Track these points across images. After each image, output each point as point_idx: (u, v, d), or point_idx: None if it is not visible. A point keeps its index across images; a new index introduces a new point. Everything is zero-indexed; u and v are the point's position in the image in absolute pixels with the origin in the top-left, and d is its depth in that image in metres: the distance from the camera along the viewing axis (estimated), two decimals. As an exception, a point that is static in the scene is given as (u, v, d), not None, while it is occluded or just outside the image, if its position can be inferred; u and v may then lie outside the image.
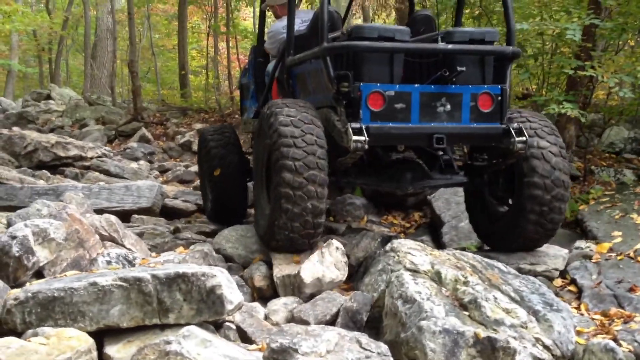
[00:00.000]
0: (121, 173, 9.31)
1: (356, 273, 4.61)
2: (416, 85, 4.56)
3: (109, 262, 4.23)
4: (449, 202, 6.44)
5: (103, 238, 4.58)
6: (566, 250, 5.09)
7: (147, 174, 9.67)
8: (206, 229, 6.17)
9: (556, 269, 4.83)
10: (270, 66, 5.84)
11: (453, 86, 4.60)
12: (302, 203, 4.28)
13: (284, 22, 5.46)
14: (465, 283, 3.60)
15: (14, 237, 3.76)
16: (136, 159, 10.71)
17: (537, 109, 8.03)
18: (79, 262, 4.13)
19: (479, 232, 5.42)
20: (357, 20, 16.40)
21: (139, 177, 9.12)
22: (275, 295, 4.19)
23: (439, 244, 5.87)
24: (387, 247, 4.16)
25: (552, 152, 4.68)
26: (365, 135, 4.30)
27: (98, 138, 12.17)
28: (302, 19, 5.58)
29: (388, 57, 4.54)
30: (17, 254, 3.71)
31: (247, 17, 22.51)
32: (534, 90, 8.64)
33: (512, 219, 4.86)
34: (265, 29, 6.52)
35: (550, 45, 7.82)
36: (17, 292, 3.30)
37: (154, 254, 4.91)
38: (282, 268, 4.23)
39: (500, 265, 4.05)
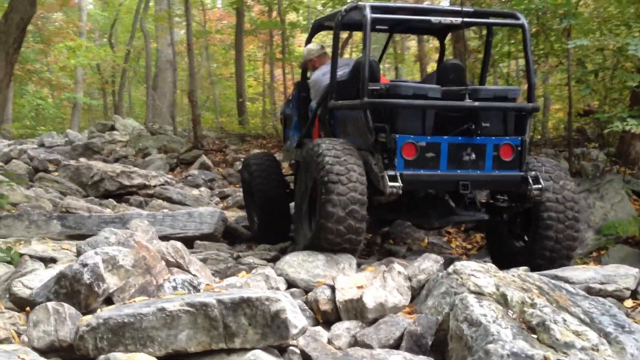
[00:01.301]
0: (183, 200, 9.51)
1: (418, 296, 4.57)
2: (445, 136, 5.13)
3: (175, 288, 4.32)
4: (512, 222, 6.32)
5: (169, 264, 4.68)
6: (637, 270, 4.92)
7: (208, 200, 9.84)
8: (267, 255, 6.24)
9: (627, 289, 4.68)
10: (313, 103, 6.34)
11: (478, 138, 5.16)
12: (342, 236, 4.88)
13: (322, 70, 6.17)
14: (533, 305, 3.53)
15: (85, 265, 3.89)
16: (197, 186, 10.92)
17: (600, 125, 7.86)
18: (146, 288, 4.23)
19: (497, 265, 5.52)
20: (411, 42, 16.45)
21: (201, 204, 9.29)
22: (339, 319, 4.19)
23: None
24: (450, 270, 4.11)
25: (564, 196, 5.20)
26: (400, 182, 4.90)
27: (160, 166, 12.47)
28: (340, 65, 5.97)
29: (421, 112, 5.11)
30: (88, 281, 3.83)
31: (302, 43, 22.80)
32: (595, 106, 8.46)
33: (527, 254, 5.31)
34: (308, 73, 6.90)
35: (612, 60, 7.65)
36: (88, 318, 3.40)
37: (217, 279, 4.99)
38: (344, 292, 4.23)
39: (567, 286, 3.96)
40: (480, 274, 3.90)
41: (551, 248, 5.16)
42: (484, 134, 5.19)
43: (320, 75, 6.20)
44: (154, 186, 10.14)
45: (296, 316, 3.41)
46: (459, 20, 5.55)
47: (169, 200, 9.50)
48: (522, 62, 10.54)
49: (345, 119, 5.65)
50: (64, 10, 27.40)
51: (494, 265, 4.29)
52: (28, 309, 4.08)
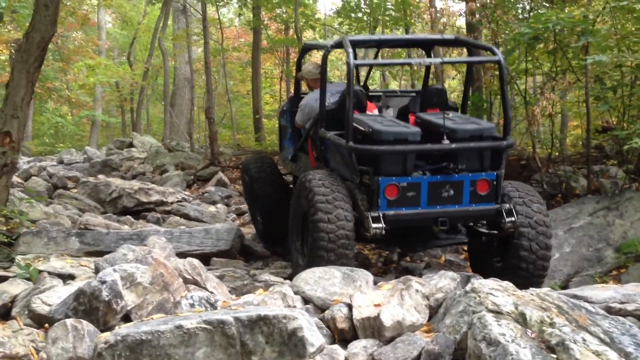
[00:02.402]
0: (200, 217, 9.55)
1: (436, 314, 4.54)
2: (425, 176, 5.50)
3: (192, 305, 4.33)
4: (530, 240, 6.28)
5: (187, 281, 4.69)
6: (658, 289, 4.86)
7: (224, 217, 9.87)
8: (283, 273, 6.24)
9: (648, 308, 4.61)
10: (297, 120, 6.78)
11: (456, 175, 5.48)
12: (333, 262, 5.17)
13: (314, 94, 6.36)
14: (552, 324, 3.49)
15: (103, 282, 3.91)
16: (214, 203, 10.96)
17: (618, 142, 7.80)
18: (163, 305, 4.25)
19: (481, 273, 5.86)
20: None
21: (217, 220, 9.33)
22: (356, 337, 4.17)
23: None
24: (468, 288, 4.08)
25: (537, 220, 5.52)
26: (383, 222, 5.29)
27: (177, 183, 12.54)
28: (333, 92, 6.33)
29: (402, 156, 5.43)
30: (106, 299, 3.85)
31: (318, 60, 22.90)
32: (614, 123, 8.41)
33: (505, 272, 5.52)
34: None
35: (630, 77, 7.61)
36: (107, 335, 3.42)
37: (234, 297, 4.99)
38: (361, 310, 4.21)
39: (587, 305, 3.91)
40: (499, 292, 3.87)
41: (525, 269, 5.51)
42: (461, 172, 5.51)
43: (312, 101, 6.41)
44: (171, 203, 10.20)
45: (313, 334, 3.40)
46: (438, 60, 6.15)
47: (186, 217, 9.54)
48: (539, 79, 10.55)
49: (335, 148, 5.89)
50: (84, 29, 27.76)
51: (511, 284, 4.26)
52: (47, 325, 4.11)
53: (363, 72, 8.48)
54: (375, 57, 8.06)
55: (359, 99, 5.99)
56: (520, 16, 9.15)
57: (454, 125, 5.61)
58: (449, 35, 7.09)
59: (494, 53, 5.93)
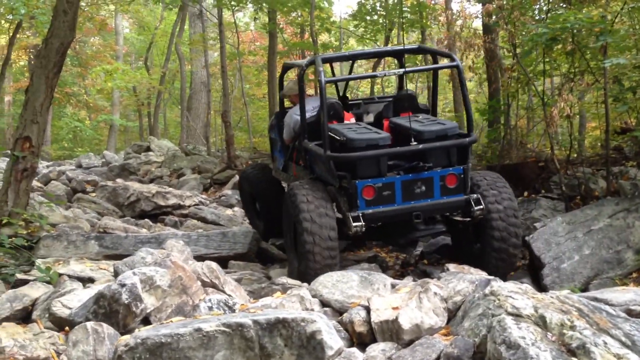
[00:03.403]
0: (217, 220, 9.59)
1: (454, 317, 4.51)
2: (398, 175, 6.03)
3: (210, 308, 4.35)
4: (549, 242, 6.24)
5: (205, 284, 4.71)
6: (679, 292, 4.80)
7: (241, 220, 9.90)
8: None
9: (670, 311, 4.56)
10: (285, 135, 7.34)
11: (426, 172, 6.03)
12: (321, 262, 5.73)
13: (296, 109, 6.88)
14: (572, 327, 3.45)
15: (123, 285, 3.94)
16: (231, 206, 11.00)
17: (637, 143, 7.72)
18: (182, 308, 4.27)
19: (464, 262, 6.44)
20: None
21: (234, 224, 9.36)
22: (374, 340, 4.16)
23: (540, 287, 5.68)
24: (487, 291, 4.06)
25: (507, 214, 6.09)
26: (362, 221, 5.83)
27: (194, 187, 12.60)
28: (313, 105, 6.79)
29: (375, 159, 5.96)
30: (126, 301, 3.88)
31: (335, 65, 22.90)
32: (633, 124, 8.33)
33: (481, 255, 6.23)
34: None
35: (649, 77, 7.53)
36: (126, 338, 3.44)
37: (252, 300, 5.00)
38: (379, 313, 4.20)
39: (608, 308, 3.87)
40: (518, 295, 3.84)
41: (498, 249, 6.09)
42: (430, 169, 6.05)
43: (295, 114, 6.95)
44: (189, 206, 10.25)
45: (332, 337, 3.40)
46: (401, 71, 6.68)
47: (203, 220, 9.58)
48: (557, 80, 10.48)
49: (316, 157, 6.44)
50: (101, 34, 28.04)
51: (531, 287, 4.23)
52: (67, 328, 4.14)
53: (346, 84, 9.14)
54: (350, 71, 8.84)
55: (335, 111, 6.65)
56: (538, 17, 9.09)
57: (420, 127, 6.18)
58: (412, 45, 7.88)
59: (453, 59, 6.59)
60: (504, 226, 6.07)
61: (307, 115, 6.56)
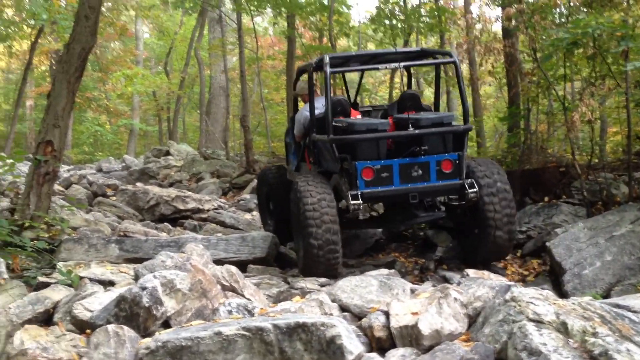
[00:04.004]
0: (236, 224, 9.62)
1: (474, 323, 4.48)
2: (396, 159, 6.35)
3: (230, 312, 4.35)
4: (570, 248, 6.18)
5: (224, 288, 4.73)
6: (703, 299, 4.74)
7: (260, 224, 9.92)
8: (318, 280, 6.23)
9: (693, 318, 4.49)
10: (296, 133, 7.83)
11: (422, 157, 6.36)
12: (323, 251, 6.13)
13: (307, 106, 7.25)
14: (594, 334, 3.42)
15: (144, 288, 3.96)
16: (249, 210, 11.03)
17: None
18: (202, 312, 4.28)
19: (463, 248, 7.08)
20: (463, 66, 16.36)
21: (253, 228, 9.39)
22: (393, 345, 4.14)
23: (561, 293, 5.63)
24: (507, 297, 4.02)
25: (501, 198, 6.41)
26: (360, 199, 6.18)
27: (213, 191, 12.66)
28: (322, 102, 7.03)
29: (374, 142, 6.38)
30: (147, 305, 3.90)
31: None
32: (656, 129, 8.24)
33: (479, 239, 6.55)
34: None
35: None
36: (147, 341, 3.46)
37: (271, 304, 5.01)
38: (399, 319, 4.18)
39: (630, 314, 3.82)
40: (539, 301, 3.81)
41: (494, 232, 6.38)
42: (427, 154, 6.38)
43: (305, 111, 7.32)
44: (208, 210, 10.29)
45: (352, 342, 3.40)
46: (400, 65, 7.01)
47: (222, 224, 9.62)
48: (577, 84, 10.39)
49: (323, 148, 6.83)
50: (122, 39, 28.27)
51: (552, 293, 4.20)
52: (88, 331, 4.17)
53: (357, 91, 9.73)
54: (360, 80, 9.51)
55: (342, 107, 7.02)
56: (558, 21, 9.02)
57: (418, 116, 6.65)
58: (415, 47, 8.81)
59: (450, 56, 7.11)
60: (498, 209, 6.39)
61: (317, 112, 6.91)
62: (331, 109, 6.52)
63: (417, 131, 6.38)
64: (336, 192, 6.56)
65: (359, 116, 7.43)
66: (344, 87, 9.33)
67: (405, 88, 8.81)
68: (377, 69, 7.31)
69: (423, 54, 7.55)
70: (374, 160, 6.33)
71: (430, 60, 7.74)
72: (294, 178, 7.65)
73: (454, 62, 6.88)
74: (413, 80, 10.46)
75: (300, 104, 8.14)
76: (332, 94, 7.14)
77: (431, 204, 7.12)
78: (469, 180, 6.44)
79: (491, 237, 6.42)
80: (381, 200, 6.81)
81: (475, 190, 6.36)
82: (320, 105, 7.03)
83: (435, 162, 6.39)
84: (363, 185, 6.26)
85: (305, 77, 8.05)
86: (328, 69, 6.52)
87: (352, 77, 20.01)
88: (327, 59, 6.66)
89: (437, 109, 7.81)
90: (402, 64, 7.06)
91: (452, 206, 6.98)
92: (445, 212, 7.12)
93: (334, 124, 6.52)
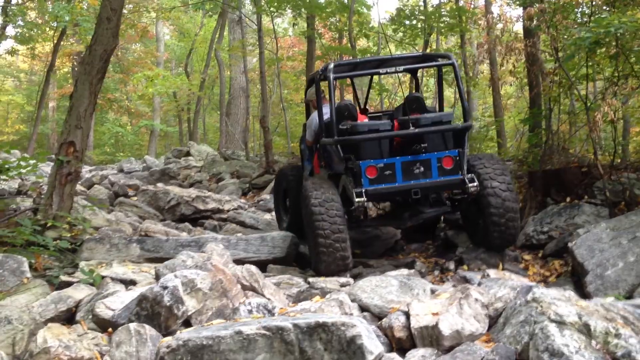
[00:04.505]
0: (256, 224, 9.64)
1: (495, 324, 4.46)
2: (398, 157, 6.60)
3: (250, 311, 4.37)
4: (592, 249, 6.11)
5: (244, 288, 4.74)
6: None
7: (281, 224, 9.94)
8: (339, 280, 6.23)
9: None
10: (307, 139, 8.15)
11: (424, 154, 6.62)
12: (331, 249, 6.34)
13: (316, 113, 7.58)
14: (617, 335, 3.39)
15: (165, 288, 3.98)
16: (269, 210, 11.04)
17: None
18: (222, 311, 4.30)
19: (472, 238, 7.36)
20: (483, 66, 16.29)
21: (273, 228, 9.40)
22: (414, 346, 4.13)
23: (583, 294, 5.57)
24: (529, 297, 4.00)
25: (501, 188, 6.68)
26: (364, 196, 6.43)
27: (233, 191, 12.70)
28: (328, 108, 7.19)
29: (377, 142, 6.68)
30: (168, 304, 3.92)
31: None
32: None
33: (484, 232, 6.85)
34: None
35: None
36: (168, 340, 3.48)
37: (291, 303, 5.02)
38: (419, 319, 4.17)
39: (654, 316, 3.77)
40: (561, 302, 3.78)
41: (497, 222, 6.65)
42: (428, 151, 6.63)
43: (315, 117, 7.66)
44: (228, 210, 10.33)
45: (372, 342, 3.39)
46: (400, 69, 7.30)
47: (242, 224, 9.64)
48: (599, 84, 10.30)
49: (330, 151, 7.10)
50: (143, 41, 28.51)
51: (574, 294, 4.16)
52: (110, 330, 4.21)
53: (367, 97, 10.40)
54: (369, 87, 10.15)
55: (349, 111, 7.27)
56: (580, 20, 8.93)
57: (418, 116, 6.94)
58: (417, 52, 9.06)
59: (449, 58, 7.33)
60: (500, 201, 6.65)
61: (325, 117, 7.21)
62: (338, 113, 6.86)
63: (416, 130, 6.65)
64: (345, 192, 6.78)
65: (366, 120, 7.70)
66: (354, 92, 9.68)
67: (414, 90, 9.14)
68: (379, 74, 7.58)
69: (424, 58, 7.88)
70: (377, 159, 6.61)
71: (430, 63, 8.05)
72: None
73: (452, 64, 7.15)
74: (421, 82, 10.72)
75: (312, 111, 8.39)
76: (336, 100, 7.42)
77: (436, 200, 7.39)
78: (470, 175, 6.68)
79: (494, 227, 6.68)
80: (385, 197, 7.10)
81: (475, 184, 6.60)
82: (328, 111, 7.22)
83: (436, 159, 6.66)
84: (367, 183, 6.53)
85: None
86: (331, 76, 6.85)
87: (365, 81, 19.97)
88: (331, 66, 7.02)
89: (441, 109, 8.06)
90: (401, 67, 7.33)
91: (457, 200, 7.27)
92: (451, 206, 7.39)
93: (340, 127, 6.83)
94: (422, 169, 6.63)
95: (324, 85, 8.65)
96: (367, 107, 9.25)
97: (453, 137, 6.83)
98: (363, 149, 6.66)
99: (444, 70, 9.26)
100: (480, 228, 6.97)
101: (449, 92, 21.43)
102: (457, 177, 6.67)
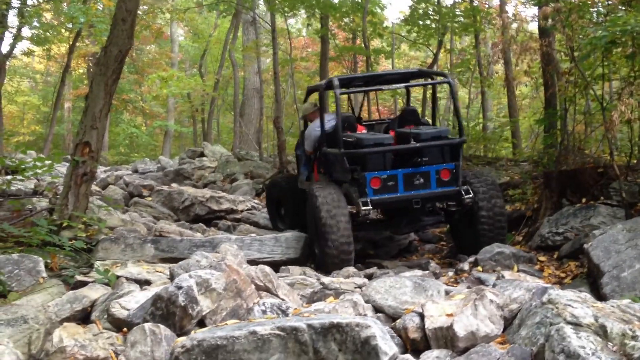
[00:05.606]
0: (269, 225, 9.64)
1: (510, 326, 4.43)
2: (400, 169, 7.16)
3: (264, 312, 4.38)
4: (609, 250, 6.06)
5: (258, 288, 4.75)
6: None
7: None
8: (353, 280, 6.22)
9: None
10: (306, 148, 8.66)
11: (424, 167, 7.21)
12: (338, 251, 6.77)
13: (315, 124, 8.26)
14: (634, 337, 3.35)
15: (179, 288, 4.00)
16: (283, 211, 11.04)
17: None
18: (237, 311, 4.31)
19: (459, 245, 7.86)
20: (498, 66, 16.20)
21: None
22: (428, 347, 4.12)
23: (599, 296, 5.52)
24: (544, 299, 3.97)
25: (491, 196, 7.32)
26: (370, 205, 6.96)
27: (247, 191, 12.72)
28: (329, 119, 7.89)
29: (381, 155, 7.22)
30: (182, 304, 3.93)
31: (387, 67, 22.82)
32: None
33: (474, 238, 7.36)
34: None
35: None
36: (183, 340, 3.49)
37: (305, 304, 5.02)
38: (434, 320, 4.15)
39: (671, 318, 3.73)
40: (577, 304, 3.75)
41: (487, 233, 7.24)
42: (427, 164, 7.21)
43: (313, 129, 8.24)
44: (241, 211, 10.35)
45: (386, 343, 3.38)
46: (402, 85, 8.14)
47: (256, 224, 9.67)
48: (616, 84, 10.21)
49: (334, 160, 7.60)
50: (157, 42, 28.63)
51: (590, 296, 4.13)
52: (125, 329, 4.23)
53: (361, 107, 11.59)
54: (363, 99, 11.37)
55: (350, 122, 7.90)
56: (596, 20, 8.86)
57: (418, 130, 7.49)
58: (413, 68, 10.10)
59: (445, 76, 7.97)
60: (491, 206, 7.27)
61: (326, 127, 7.69)
62: (340, 125, 7.31)
63: (418, 145, 7.19)
64: (346, 197, 7.21)
65: (364, 131, 8.26)
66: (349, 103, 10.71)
67: (406, 103, 9.81)
68: (382, 89, 8.36)
69: (420, 74, 8.57)
70: (381, 170, 7.13)
71: (427, 82, 8.62)
72: (308, 187, 8.33)
73: (449, 83, 7.73)
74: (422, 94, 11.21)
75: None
76: (331, 110, 7.90)
77: (431, 209, 7.92)
78: (465, 186, 7.27)
79: (483, 242, 7.07)
80: (388, 206, 7.55)
81: (470, 196, 7.22)
82: (327, 121, 7.77)
83: (435, 171, 7.21)
84: (372, 192, 7.06)
85: (312, 97, 8.97)
86: (338, 91, 7.37)
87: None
88: (336, 82, 7.53)
89: (434, 123, 8.87)
90: (402, 85, 8.02)
91: (451, 212, 7.77)
92: (444, 216, 7.90)
93: (344, 138, 7.30)
94: (422, 180, 7.16)
95: (315, 96, 9.29)
96: (360, 116, 9.96)
97: (450, 151, 7.35)
98: (368, 161, 7.14)
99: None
100: (469, 235, 7.49)
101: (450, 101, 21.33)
102: (454, 188, 7.24)
